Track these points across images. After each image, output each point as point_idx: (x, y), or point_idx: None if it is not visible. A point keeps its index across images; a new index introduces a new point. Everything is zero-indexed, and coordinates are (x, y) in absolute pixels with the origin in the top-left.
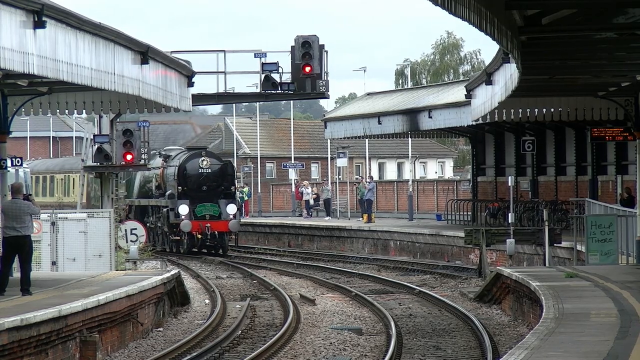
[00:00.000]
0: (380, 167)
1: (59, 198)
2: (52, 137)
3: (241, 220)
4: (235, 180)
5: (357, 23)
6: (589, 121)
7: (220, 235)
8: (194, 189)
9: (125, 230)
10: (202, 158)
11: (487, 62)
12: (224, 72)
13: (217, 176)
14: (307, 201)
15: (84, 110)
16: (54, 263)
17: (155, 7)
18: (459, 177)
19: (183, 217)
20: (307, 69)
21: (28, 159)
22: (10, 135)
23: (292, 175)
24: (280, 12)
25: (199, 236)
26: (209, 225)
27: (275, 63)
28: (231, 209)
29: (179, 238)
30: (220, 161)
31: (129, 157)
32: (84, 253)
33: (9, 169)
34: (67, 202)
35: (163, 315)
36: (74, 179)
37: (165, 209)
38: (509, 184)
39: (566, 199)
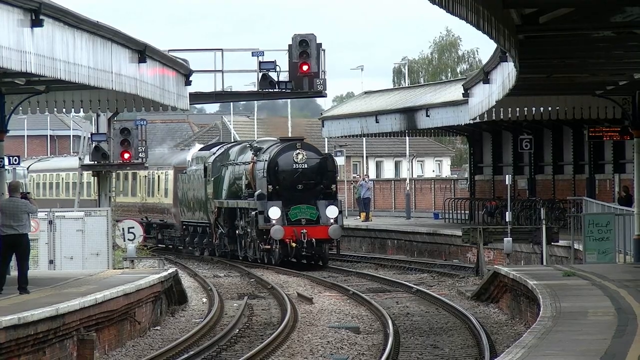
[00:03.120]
0: (378, 166)
1: (142, 198)
2: (50, 135)
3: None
4: (337, 178)
5: (354, 22)
6: (586, 120)
7: (318, 244)
8: (287, 187)
9: (123, 228)
10: (297, 151)
11: (484, 61)
12: (222, 71)
13: (314, 172)
14: None
15: (81, 109)
16: (51, 261)
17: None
18: (456, 176)
19: (274, 221)
20: (305, 67)
21: (25, 157)
22: (8, 134)
23: None
24: (278, 10)
25: (293, 244)
26: (304, 231)
27: (273, 62)
28: (332, 211)
29: (269, 247)
30: (318, 155)
31: (126, 155)
32: (81, 251)
33: (6, 167)
34: (151, 202)
35: (160, 313)
36: (158, 176)
37: (254, 212)
38: (507, 183)
39: (564, 198)
